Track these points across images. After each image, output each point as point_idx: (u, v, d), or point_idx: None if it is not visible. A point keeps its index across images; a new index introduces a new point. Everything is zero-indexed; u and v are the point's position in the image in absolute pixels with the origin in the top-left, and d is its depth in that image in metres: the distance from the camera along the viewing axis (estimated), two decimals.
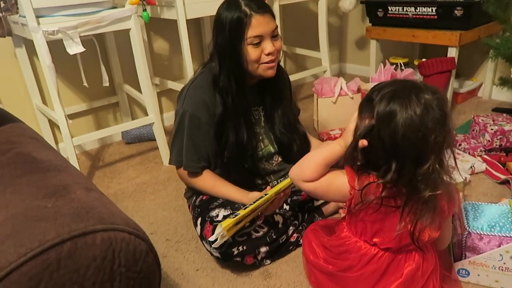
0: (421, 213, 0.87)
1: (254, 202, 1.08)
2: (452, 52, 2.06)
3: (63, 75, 1.98)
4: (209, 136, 1.23)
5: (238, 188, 1.24)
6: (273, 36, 1.18)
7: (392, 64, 2.19)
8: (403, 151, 0.83)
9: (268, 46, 1.17)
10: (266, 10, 1.17)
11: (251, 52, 1.16)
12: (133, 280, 0.52)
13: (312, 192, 1.00)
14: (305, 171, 0.97)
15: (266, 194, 1.10)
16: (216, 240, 1.06)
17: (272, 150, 1.34)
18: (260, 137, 1.32)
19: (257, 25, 1.14)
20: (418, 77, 2.18)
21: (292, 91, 1.48)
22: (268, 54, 1.17)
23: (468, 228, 1.09)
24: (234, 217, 1.04)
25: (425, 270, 0.97)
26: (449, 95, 2.14)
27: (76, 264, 0.47)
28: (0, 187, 0.58)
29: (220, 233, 1.03)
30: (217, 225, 1.11)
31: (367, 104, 0.89)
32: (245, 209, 1.06)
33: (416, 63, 2.34)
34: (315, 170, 0.96)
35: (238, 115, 1.23)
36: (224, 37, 1.16)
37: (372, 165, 0.89)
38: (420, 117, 0.81)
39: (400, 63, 2.28)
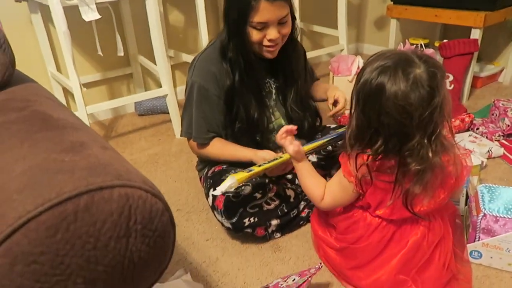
0: (411, 184, 0.88)
1: (269, 162, 1.07)
2: (476, 34, 1.99)
3: (78, 43, 1.97)
4: (218, 107, 1.22)
5: (247, 147, 1.23)
6: (281, 22, 1.14)
7: (412, 44, 2.13)
8: (387, 127, 0.83)
9: (271, 33, 1.13)
10: None
11: (253, 34, 1.14)
12: (148, 238, 0.52)
13: (334, 203, 1.02)
14: (312, 194, 1.04)
15: (281, 157, 1.09)
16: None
17: (283, 123, 1.32)
18: (271, 110, 1.30)
19: (263, 11, 1.09)
20: (438, 58, 2.12)
21: None
22: (270, 40, 1.14)
23: (484, 210, 1.07)
24: (248, 172, 1.04)
25: (431, 240, 0.97)
26: (469, 78, 2.09)
27: (93, 217, 0.46)
28: (17, 141, 0.58)
29: (232, 184, 1.02)
30: (227, 177, 1.09)
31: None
32: (259, 166, 1.06)
33: (437, 44, 2.27)
34: (314, 187, 1.03)
35: (247, 90, 1.21)
36: (234, 13, 1.13)
37: (359, 140, 0.90)
38: (406, 94, 0.79)
39: (421, 44, 2.22)
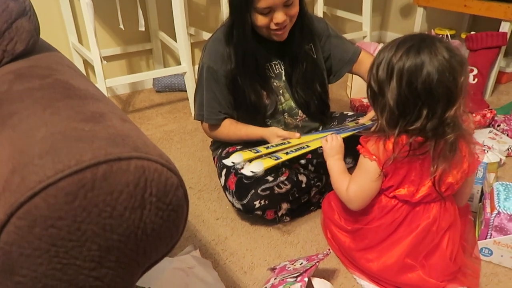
0: (444, 156, 0.90)
1: (296, 151, 1.10)
2: (505, 27, 1.92)
3: (100, 15, 1.97)
4: (227, 88, 1.22)
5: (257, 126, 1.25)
6: (287, 4, 1.10)
7: (438, 35, 2.07)
8: (436, 96, 0.85)
9: (278, 17, 1.10)
10: None
11: (259, 19, 1.11)
12: (162, 211, 0.53)
13: (359, 188, 0.99)
14: (340, 186, 1.03)
15: (308, 146, 1.12)
16: (241, 167, 1.09)
17: (293, 104, 1.31)
18: (281, 91, 1.29)
19: None
20: (464, 50, 2.06)
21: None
22: (277, 24, 1.11)
23: (498, 207, 1.06)
24: (275, 160, 1.06)
25: (441, 226, 0.97)
26: (494, 73, 2.03)
27: (110, 187, 0.47)
28: (39, 108, 0.59)
29: (259, 171, 1.04)
30: (254, 161, 1.10)
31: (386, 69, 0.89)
32: (286, 154, 1.08)
33: (463, 36, 2.21)
34: (340, 181, 1.03)
35: (248, 76, 1.20)
36: None
37: (402, 117, 0.89)
38: (449, 60, 0.84)
39: (447, 35, 2.16)
